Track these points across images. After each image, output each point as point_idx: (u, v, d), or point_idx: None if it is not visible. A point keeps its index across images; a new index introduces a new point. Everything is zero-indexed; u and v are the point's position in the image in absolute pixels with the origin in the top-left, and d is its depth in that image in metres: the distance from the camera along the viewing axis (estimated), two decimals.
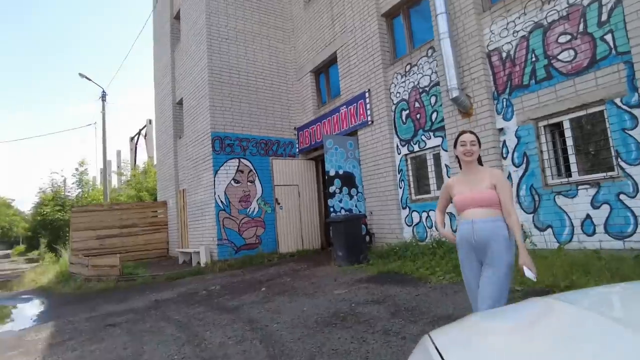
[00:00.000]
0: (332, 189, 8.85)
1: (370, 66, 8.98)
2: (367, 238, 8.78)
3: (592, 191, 5.20)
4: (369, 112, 8.98)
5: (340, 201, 8.91)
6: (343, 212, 8.88)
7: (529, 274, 2.41)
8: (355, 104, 9.42)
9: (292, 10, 12.47)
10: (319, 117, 11.01)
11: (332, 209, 8.75)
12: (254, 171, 11.16)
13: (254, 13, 11.78)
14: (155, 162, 21.31)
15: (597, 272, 4.33)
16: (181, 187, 12.92)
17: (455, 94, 6.58)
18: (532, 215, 5.93)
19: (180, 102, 13.08)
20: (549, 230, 5.68)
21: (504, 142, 6.33)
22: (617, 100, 4.95)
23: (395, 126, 8.51)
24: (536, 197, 5.87)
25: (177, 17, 13.39)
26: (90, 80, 18.49)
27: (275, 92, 11.86)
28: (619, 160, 4.95)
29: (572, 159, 5.54)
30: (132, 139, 28.17)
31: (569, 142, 5.56)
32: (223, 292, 7.19)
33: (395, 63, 8.52)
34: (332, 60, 10.86)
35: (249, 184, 11.03)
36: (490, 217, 2.55)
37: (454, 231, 2.85)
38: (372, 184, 9.01)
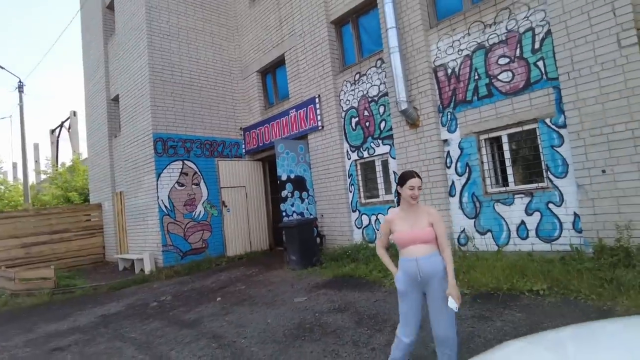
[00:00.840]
0: (284, 193, 8.93)
1: (320, 72, 9.12)
2: (318, 240, 8.99)
3: (526, 200, 5.85)
4: (319, 117, 9.15)
5: (292, 205, 9.02)
6: (295, 215, 9.01)
7: (452, 304, 2.63)
8: (305, 109, 9.53)
9: (237, 8, 12.19)
10: (267, 119, 10.97)
11: (284, 213, 8.83)
12: (199, 173, 10.87)
13: (196, 9, 11.35)
14: (82, 159, 19.75)
15: (532, 275, 4.91)
16: (118, 189, 12.19)
17: (404, 106, 6.96)
18: (473, 220, 6.50)
19: (115, 99, 12.26)
20: (489, 234, 6.28)
21: (448, 152, 6.84)
22: (548, 120, 5.59)
23: (345, 132, 8.77)
24: (477, 204, 6.45)
25: (111, 7, 12.48)
26: (3, 68, 16.57)
27: (219, 91, 11.58)
28: (549, 173, 5.62)
29: (509, 170, 6.16)
30: (52, 131, 25.79)
31: (507, 155, 6.17)
32: (176, 304, 7.00)
33: (345, 71, 8.75)
34: (279, 62, 10.84)
35: (193, 186, 10.72)
36: (431, 253, 2.76)
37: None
38: (322, 188, 9.22)
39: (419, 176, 2.88)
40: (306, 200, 9.36)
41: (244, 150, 11.92)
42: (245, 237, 11.39)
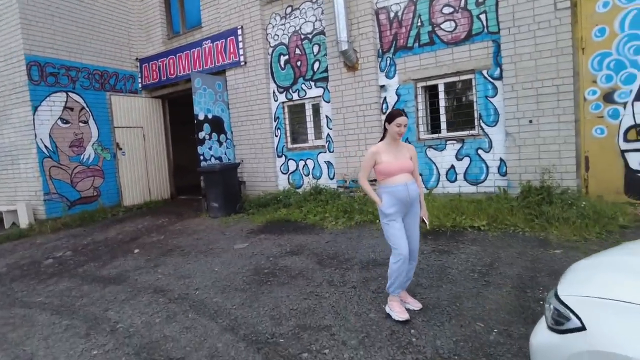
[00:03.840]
0: (201, 134, 8.06)
1: (244, 0, 8.18)
2: (238, 186, 8.48)
3: (457, 146, 6.29)
4: (241, 51, 8.32)
5: (210, 148, 8.23)
6: (213, 160, 8.27)
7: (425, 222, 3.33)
8: (223, 40, 8.55)
9: None
10: (171, 50, 9.59)
11: (202, 157, 8.02)
12: (87, 109, 9.15)
13: None
14: None
15: (471, 213, 5.39)
16: None
17: (344, 46, 6.70)
18: None
19: None
20: (419, 177, 6.65)
21: (385, 98, 6.90)
22: (485, 72, 5.97)
23: (272, 71, 8.17)
24: None
25: None
26: None
27: (111, 12, 9.66)
28: (481, 121, 6.09)
29: (443, 117, 6.50)
30: None
31: (442, 103, 6.48)
32: (81, 259, 5.96)
33: (274, 2, 7.99)
34: None
35: (81, 124, 9.01)
36: (413, 181, 3.15)
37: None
38: (244, 131, 8.60)
39: (406, 115, 3.15)
40: (224, 143, 8.65)
41: (140, 85, 10.34)
42: (144, 184, 10.16)
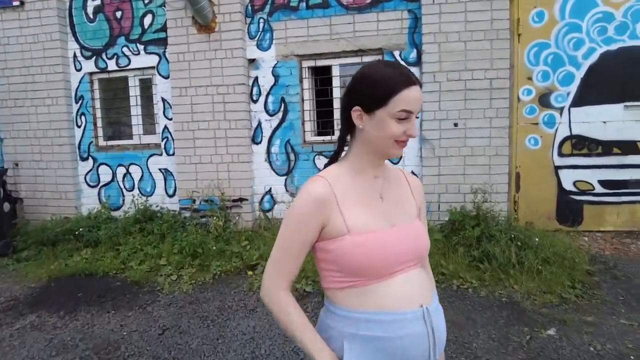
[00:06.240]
0: None
1: None
2: (8, 207, 5.11)
3: None
4: None
5: None
6: None
7: None
8: None
9: None
10: None
11: None
12: None
13: None
14: None
15: None
16: None
17: None
18: (285, 177, 4.77)
19: None
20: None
21: (256, 79, 4.74)
22: (396, 53, 4.35)
23: (73, 22, 5.11)
24: (292, 156, 4.72)
25: None
26: None
27: None
28: None
29: (337, 113, 4.67)
30: None
31: (336, 92, 4.64)
32: None
33: None
34: None
35: None
36: (435, 297, 1.08)
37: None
38: (20, 115, 5.24)
39: (419, 83, 0.96)
40: None
41: None
42: None
